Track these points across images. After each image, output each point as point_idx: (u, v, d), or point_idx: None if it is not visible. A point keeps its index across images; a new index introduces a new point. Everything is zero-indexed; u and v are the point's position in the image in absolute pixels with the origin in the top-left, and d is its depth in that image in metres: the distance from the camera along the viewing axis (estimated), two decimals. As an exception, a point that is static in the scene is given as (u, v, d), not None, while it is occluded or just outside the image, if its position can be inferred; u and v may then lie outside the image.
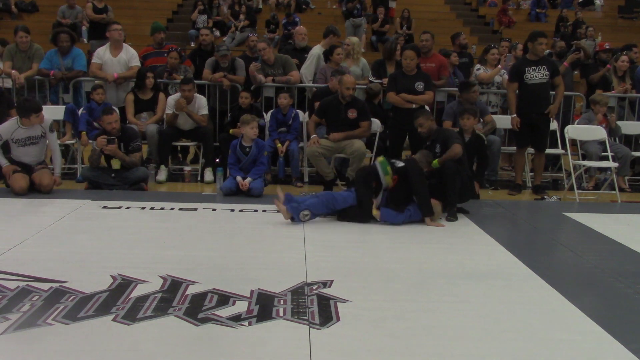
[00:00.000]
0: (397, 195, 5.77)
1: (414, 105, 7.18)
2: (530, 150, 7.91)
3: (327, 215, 5.82)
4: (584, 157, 8.08)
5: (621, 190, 7.81)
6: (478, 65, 8.78)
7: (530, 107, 7.40)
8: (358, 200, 5.74)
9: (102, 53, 8.46)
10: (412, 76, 7.24)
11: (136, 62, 8.44)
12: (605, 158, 7.87)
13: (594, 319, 3.56)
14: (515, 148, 7.97)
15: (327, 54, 8.41)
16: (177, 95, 7.83)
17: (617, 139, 8.32)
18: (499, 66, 8.60)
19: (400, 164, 5.85)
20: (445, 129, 6.93)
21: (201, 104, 7.88)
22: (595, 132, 7.95)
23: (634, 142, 8.78)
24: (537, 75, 7.36)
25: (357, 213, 5.73)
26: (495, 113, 8.51)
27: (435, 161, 6.11)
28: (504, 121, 8.42)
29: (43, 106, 8.04)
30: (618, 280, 4.36)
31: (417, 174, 5.75)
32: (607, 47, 9.93)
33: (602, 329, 3.43)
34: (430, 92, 7.37)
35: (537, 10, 19.01)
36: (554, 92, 7.73)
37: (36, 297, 3.60)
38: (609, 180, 7.94)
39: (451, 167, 5.98)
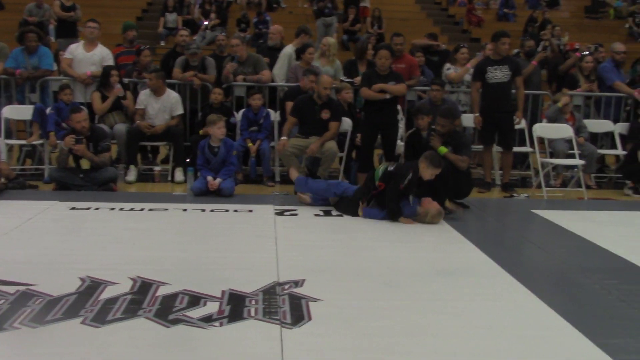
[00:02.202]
0: (381, 198, 5.87)
1: (387, 96, 7.17)
2: (499, 148, 8.01)
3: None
4: (552, 155, 8.20)
5: (588, 187, 7.94)
6: (448, 65, 8.84)
7: (493, 106, 7.54)
8: (354, 196, 6.02)
9: (75, 48, 8.37)
10: (384, 76, 7.23)
11: (110, 62, 8.35)
12: (572, 156, 8.01)
13: (561, 315, 3.61)
14: (481, 146, 8.07)
15: (299, 53, 8.40)
16: (148, 90, 7.79)
17: (585, 136, 8.44)
18: (467, 65, 8.67)
19: (392, 167, 5.90)
20: (462, 134, 7.17)
21: (175, 103, 7.84)
22: (562, 131, 8.07)
23: (599, 140, 8.94)
24: (498, 74, 7.51)
25: (347, 206, 6.00)
26: (464, 112, 8.59)
27: (443, 148, 6.32)
28: (471, 120, 8.52)
29: (8, 106, 7.98)
30: (585, 276, 4.43)
31: (393, 183, 5.75)
32: (577, 46, 10.13)
33: (569, 324, 3.49)
34: (404, 84, 7.40)
35: (505, 10, 19.23)
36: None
37: (2, 301, 3.53)
38: (576, 178, 8.07)
39: (447, 167, 6.16)
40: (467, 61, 8.79)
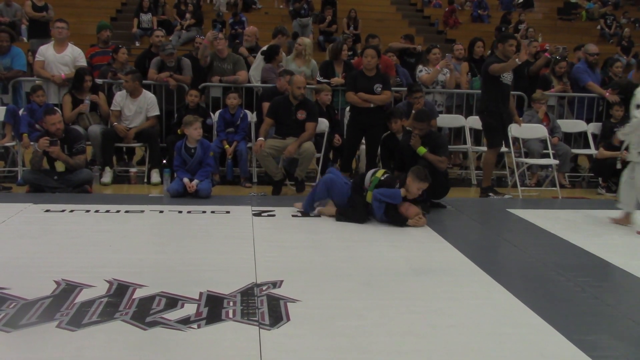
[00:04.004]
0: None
1: (372, 105, 7.21)
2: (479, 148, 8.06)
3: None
4: (526, 155, 8.30)
5: (562, 186, 8.05)
6: (420, 67, 8.86)
7: (503, 107, 7.34)
8: (351, 204, 5.83)
9: (45, 50, 8.25)
10: (371, 77, 7.24)
11: (82, 62, 8.25)
12: (547, 155, 8.11)
13: (537, 312, 3.66)
14: (458, 146, 8.11)
15: (272, 54, 8.39)
16: (124, 92, 7.73)
17: (559, 136, 8.55)
18: (437, 66, 8.69)
19: (384, 177, 5.83)
20: (439, 135, 7.17)
21: (151, 104, 7.79)
22: (537, 131, 8.17)
23: (573, 139, 9.07)
24: (508, 76, 7.31)
25: (352, 214, 5.79)
26: (441, 112, 8.65)
27: (422, 148, 6.36)
28: (449, 120, 8.60)
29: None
30: (560, 273, 4.49)
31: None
32: (547, 47, 10.25)
33: (545, 321, 3.53)
34: (388, 92, 7.40)
35: (478, 11, 19.42)
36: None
37: (-25, 305, 3.48)
38: (550, 177, 8.18)
39: (426, 167, 6.18)
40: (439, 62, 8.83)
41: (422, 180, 5.73)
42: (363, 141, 7.64)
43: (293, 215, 6.05)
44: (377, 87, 7.20)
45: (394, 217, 5.72)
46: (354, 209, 5.81)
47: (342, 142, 7.81)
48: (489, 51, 10.60)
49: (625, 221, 6.12)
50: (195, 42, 9.14)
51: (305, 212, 6.08)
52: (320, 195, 6.03)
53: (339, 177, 6.13)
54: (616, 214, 6.19)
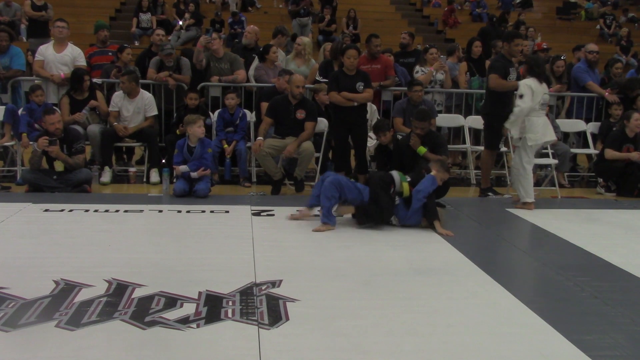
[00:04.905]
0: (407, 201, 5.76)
1: (355, 104, 7.22)
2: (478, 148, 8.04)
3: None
4: (526, 155, 8.28)
5: (561, 186, 8.05)
6: (417, 68, 8.85)
7: (507, 108, 7.13)
8: (375, 202, 5.58)
9: (45, 50, 8.24)
10: (352, 76, 7.24)
11: (82, 62, 8.24)
12: (546, 155, 8.10)
13: (536, 312, 3.66)
14: (457, 146, 8.08)
15: (263, 53, 8.39)
16: (121, 92, 7.72)
17: (559, 135, 8.54)
18: (431, 68, 8.67)
19: (408, 178, 5.82)
20: (438, 134, 7.23)
21: (149, 103, 7.78)
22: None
23: (570, 139, 9.06)
24: (513, 77, 7.15)
25: (377, 213, 5.60)
26: (440, 112, 8.65)
27: (422, 148, 6.38)
28: (448, 120, 8.58)
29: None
30: (559, 273, 4.49)
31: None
32: (545, 46, 10.26)
33: (544, 321, 3.53)
34: (370, 89, 7.41)
35: (477, 10, 19.41)
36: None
37: (-26, 305, 3.47)
38: (550, 177, 8.17)
39: (426, 167, 6.18)
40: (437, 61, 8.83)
41: (447, 171, 5.96)
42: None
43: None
44: (359, 85, 7.21)
45: (432, 209, 5.63)
46: (379, 207, 5.59)
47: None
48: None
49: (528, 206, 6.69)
50: (199, 42, 9.13)
51: (326, 223, 5.58)
52: (329, 199, 5.63)
53: (342, 177, 5.91)
54: (615, 214, 6.19)
